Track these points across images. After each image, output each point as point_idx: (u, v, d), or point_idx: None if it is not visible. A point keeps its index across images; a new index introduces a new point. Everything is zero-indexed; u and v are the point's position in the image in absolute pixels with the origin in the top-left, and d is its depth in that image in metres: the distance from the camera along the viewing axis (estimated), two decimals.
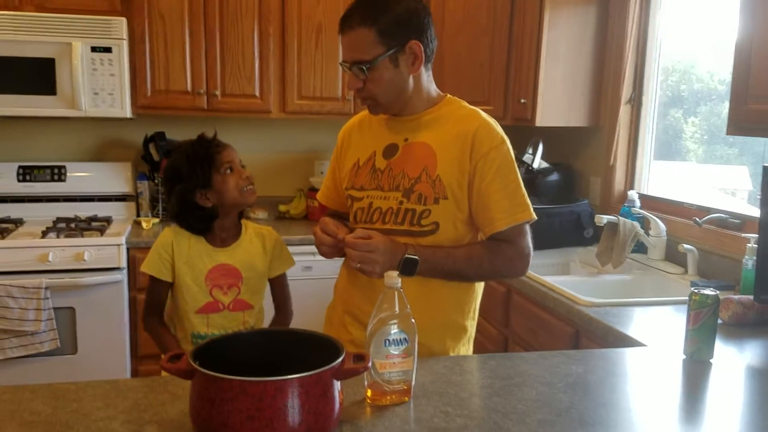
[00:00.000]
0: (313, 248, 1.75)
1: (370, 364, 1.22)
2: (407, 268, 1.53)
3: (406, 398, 1.30)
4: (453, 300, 1.67)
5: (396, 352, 1.27)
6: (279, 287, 1.91)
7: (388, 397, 1.28)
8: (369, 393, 1.29)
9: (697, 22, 2.86)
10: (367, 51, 1.54)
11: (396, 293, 1.27)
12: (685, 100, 2.99)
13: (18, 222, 3.19)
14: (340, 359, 1.12)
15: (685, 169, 3.01)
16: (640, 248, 2.78)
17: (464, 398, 1.32)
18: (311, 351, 1.20)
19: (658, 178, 3.07)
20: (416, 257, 1.54)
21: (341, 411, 1.16)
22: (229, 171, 1.74)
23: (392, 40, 1.54)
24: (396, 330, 1.27)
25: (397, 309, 1.27)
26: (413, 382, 1.32)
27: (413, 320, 1.29)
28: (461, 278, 1.65)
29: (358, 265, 1.52)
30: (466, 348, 1.74)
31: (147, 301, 1.82)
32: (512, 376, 1.44)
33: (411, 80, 1.61)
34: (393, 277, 1.28)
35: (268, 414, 1.04)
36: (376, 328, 1.26)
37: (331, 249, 1.59)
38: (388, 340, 1.26)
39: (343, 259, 1.77)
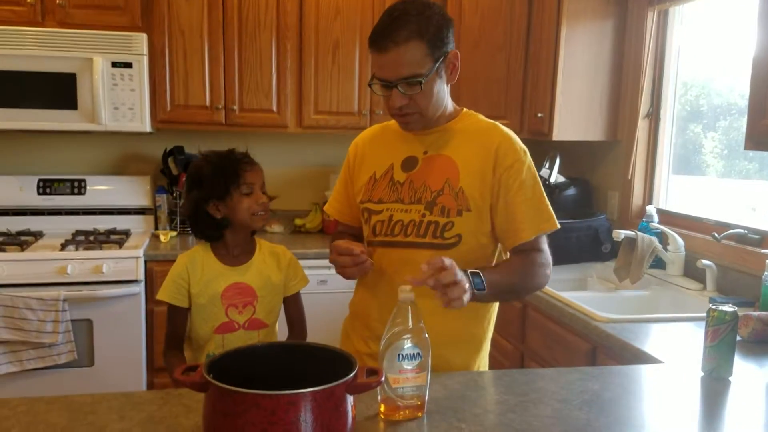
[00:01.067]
0: (328, 262, 1.76)
1: (383, 379, 1.21)
2: (477, 281, 1.48)
3: (420, 413, 1.29)
4: (471, 312, 1.65)
5: (409, 367, 1.26)
6: (293, 306, 1.89)
7: (402, 413, 1.28)
8: (382, 408, 1.28)
9: (717, 37, 2.84)
10: (421, 65, 1.52)
11: (409, 307, 1.27)
12: (704, 114, 2.97)
13: (38, 234, 3.23)
14: (353, 373, 1.12)
15: (704, 184, 2.98)
16: (659, 264, 2.75)
17: (478, 414, 1.31)
18: (325, 365, 1.20)
19: (677, 193, 3.05)
20: (477, 270, 1.50)
21: (354, 426, 1.16)
22: (247, 192, 1.74)
23: (438, 51, 1.53)
24: (409, 345, 1.26)
25: (410, 323, 1.26)
26: (426, 397, 1.31)
27: (426, 335, 1.28)
28: (513, 294, 1.63)
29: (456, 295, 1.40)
30: (485, 361, 1.74)
31: (167, 332, 1.83)
32: (528, 393, 1.43)
33: (447, 90, 1.62)
34: (406, 291, 1.27)
35: (281, 428, 1.04)
36: (390, 343, 1.26)
37: (354, 267, 1.57)
38: (401, 355, 1.26)
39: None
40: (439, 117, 1.65)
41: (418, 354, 1.27)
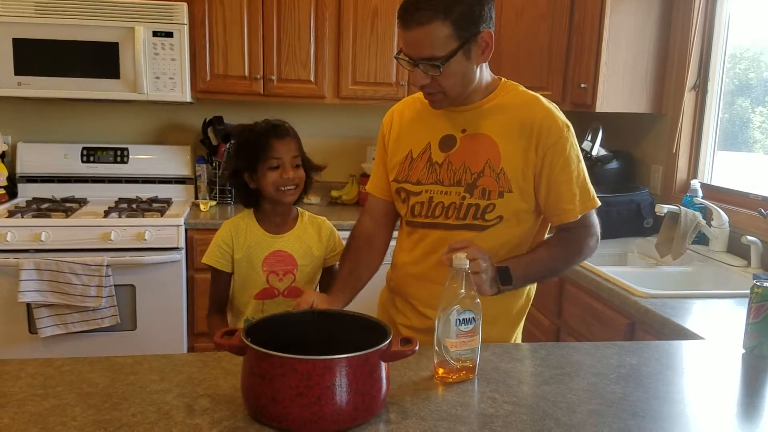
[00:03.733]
0: None
1: (437, 343, 1.29)
2: (503, 276, 1.51)
3: (471, 375, 1.34)
4: None
5: (465, 330, 1.30)
6: (330, 277, 1.90)
7: (456, 375, 1.32)
8: (440, 371, 1.33)
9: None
10: (441, 47, 1.45)
11: (464, 274, 1.31)
12: (753, 88, 2.87)
13: (82, 201, 3.31)
14: (387, 341, 1.13)
15: (751, 160, 2.89)
16: (702, 239, 2.69)
17: (512, 385, 1.31)
18: (360, 333, 1.21)
19: (723, 168, 2.96)
20: (505, 265, 1.53)
21: (388, 393, 1.17)
22: (273, 166, 1.73)
23: (466, 31, 1.46)
24: (464, 310, 1.30)
25: (464, 289, 1.30)
26: (478, 360, 1.34)
27: (478, 300, 1.32)
28: (553, 275, 1.66)
29: (484, 265, 1.44)
30: (520, 334, 1.74)
31: (210, 295, 1.86)
32: (563, 366, 1.42)
33: (478, 70, 1.55)
34: (461, 259, 1.30)
35: (316, 392, 1.05)
36: (446, 309, 1.30)
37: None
38: (459, 320, 1.29)
39: (394, 245, 1.78)
40: (475, 93, 1.59)
41: (473, 318, 1.31)
